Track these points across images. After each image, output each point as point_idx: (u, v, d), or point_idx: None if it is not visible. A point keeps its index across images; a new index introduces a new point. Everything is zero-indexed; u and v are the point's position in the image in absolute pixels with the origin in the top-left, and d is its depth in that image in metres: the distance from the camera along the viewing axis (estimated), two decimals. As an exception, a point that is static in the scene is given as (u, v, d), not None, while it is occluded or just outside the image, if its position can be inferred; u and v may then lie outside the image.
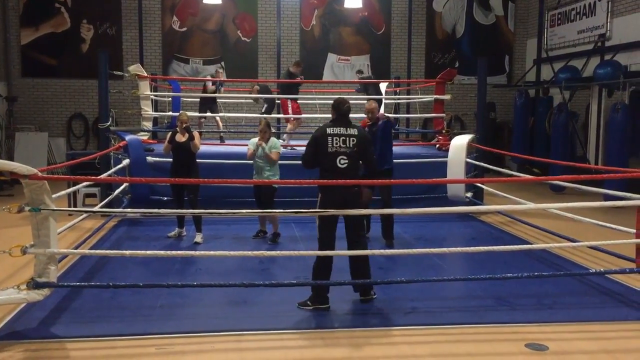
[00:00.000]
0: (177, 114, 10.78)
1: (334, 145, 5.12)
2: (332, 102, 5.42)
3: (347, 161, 5.12)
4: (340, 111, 5.28)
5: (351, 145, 5.13)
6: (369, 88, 11.69)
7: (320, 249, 5.24)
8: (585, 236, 7.06)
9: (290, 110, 10.49)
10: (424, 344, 4.45)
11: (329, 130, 5.18)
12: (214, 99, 11.31)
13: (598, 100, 11.89)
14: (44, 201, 4.54)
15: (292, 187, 7.97)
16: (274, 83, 12.86)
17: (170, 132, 7.67)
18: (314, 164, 5.30)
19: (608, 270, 5.99)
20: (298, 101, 10.78)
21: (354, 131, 5.18)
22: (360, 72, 13.11)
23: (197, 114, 11.26)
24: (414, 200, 8.89)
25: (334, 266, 5.24)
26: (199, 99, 11.49)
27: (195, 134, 7.52)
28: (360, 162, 5.32)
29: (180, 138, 7.42)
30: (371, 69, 15.72)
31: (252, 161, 7.47)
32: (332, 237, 5.22)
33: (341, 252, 5.33)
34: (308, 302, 5.16)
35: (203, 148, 8.27)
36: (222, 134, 11.80)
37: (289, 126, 10.87)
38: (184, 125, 7.41)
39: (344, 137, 5.13)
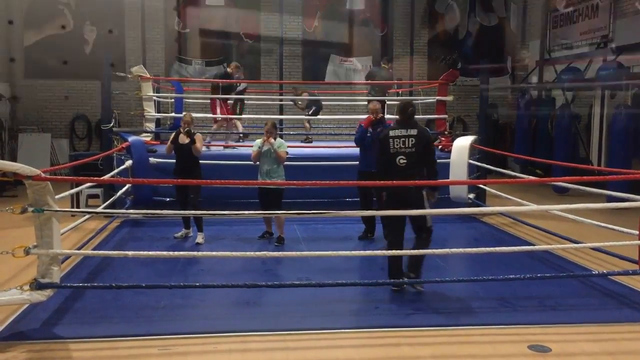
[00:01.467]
0: (180, 115, 10.88)
1: (395, 146, 5.46)
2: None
3: (406, 160, 5.44)
4: (405, 114, 5.58)
5: (410, 145, 5.43)
6: (375, 87, 11.72)
7: (388, 246, 5.61)
8: (587, 238, 7.04)
9: (218, 111, 10.41)
10: (426, 345, 4.45)
11: (391, 133, 5.53)
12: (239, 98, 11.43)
13: (601, 101, 11.87)
14: (47, 202, 4.56)
15: (294, 189, 7.95)
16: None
17: (174, 133, 7.64)
18: (382, 165, 5.62)
19: (611, 271, 5.99)
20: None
21: (414, 131, 5.47)
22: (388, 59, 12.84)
23: (201, 114, 11.31)
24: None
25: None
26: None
27: (198, 136, 7.48)
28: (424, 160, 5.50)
29: (183, 140, 7.41)
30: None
31: (257, 163, 7.43)
32: (397, 233, 5.55)
33: (342, 253, 5.34)
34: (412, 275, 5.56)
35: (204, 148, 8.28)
36: (241, 135, 11.89)
37: (214, 126, 10.70)
38: (187, 128, 7.40)
39: (404, 138, 5.45)
